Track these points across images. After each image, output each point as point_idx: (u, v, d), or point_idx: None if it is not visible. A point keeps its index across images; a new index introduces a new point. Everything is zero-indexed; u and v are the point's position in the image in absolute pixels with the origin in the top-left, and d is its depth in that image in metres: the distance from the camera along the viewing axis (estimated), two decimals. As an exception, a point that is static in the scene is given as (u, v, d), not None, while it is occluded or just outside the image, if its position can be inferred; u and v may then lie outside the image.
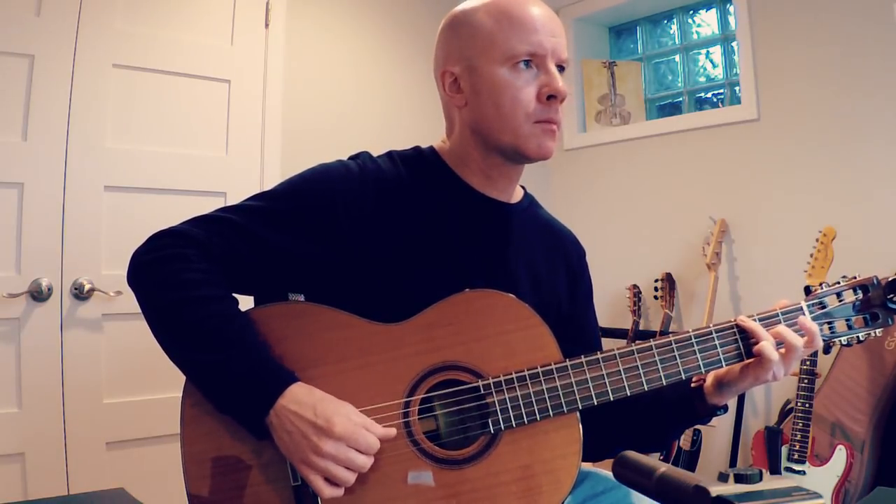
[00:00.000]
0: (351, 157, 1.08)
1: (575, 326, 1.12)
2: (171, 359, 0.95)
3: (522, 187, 1.18)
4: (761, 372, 0.96)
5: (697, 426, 2.44)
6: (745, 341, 0.99)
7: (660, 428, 1.08)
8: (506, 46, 0.99)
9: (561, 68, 1.02)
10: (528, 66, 0.99)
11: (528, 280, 1.09)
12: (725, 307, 2.56)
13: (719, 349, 0.98)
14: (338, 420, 0.88)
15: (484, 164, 1.06)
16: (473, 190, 1.08)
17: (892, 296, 1.01)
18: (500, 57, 0.99)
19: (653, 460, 0.61)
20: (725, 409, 1.04)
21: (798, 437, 2.01)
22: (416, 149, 1.12)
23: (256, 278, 1.02)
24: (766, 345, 0.96)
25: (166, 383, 2.05)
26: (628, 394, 0.97)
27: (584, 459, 1.09)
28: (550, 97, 0.99)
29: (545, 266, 1.12)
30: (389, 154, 1.10)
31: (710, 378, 1.03)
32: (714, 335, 0.99)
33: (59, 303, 1.99)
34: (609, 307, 2.93)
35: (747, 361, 0.99)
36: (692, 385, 1.04)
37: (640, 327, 2.74)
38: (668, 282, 2.69)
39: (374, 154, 1.10)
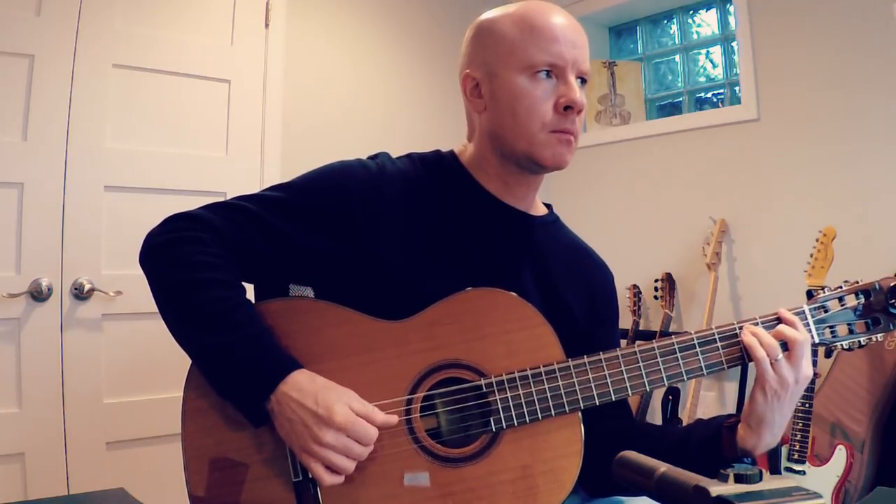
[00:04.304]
0: (370, 157, 1.09)
1: (594, 346, 1.05)
2: (176, 339, 0.95)
3: (549, 206, 1.18)
4: (763, 378, 0.93)
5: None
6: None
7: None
8: (525, 55, 0.99)
9: (583, 80, 1.02)
10: (548, 77, 0.99)
11: (536, 289, 1.07)
12: (725, 307, 2.56)
13: (721, 351, 0.97)
14: (338, 409, 0.88)
15: (501, 170, 1.06)
16: (491, 196, 1.08)
17: (893, 301, 1.01)
18: (520, 65, 0.99)
19: (653, 460, 0.61)
20: (754, 461, 0.95)
21: (798, 437, 2.01)
22: (437, 152, 1.13)
23: (266, 268, 1.02)
24: (751, 339, 0.94)
25: (166, 383, 2.05)
26: (630, 394, 0.97)
27: (599, 494, 1.08)
28: (567, 108, 0.99)
29: (562, 281, 1.10)
30: (409, 156, 1.11)
31: (742, 420, 0.98)
32: (716, 337, 0.98)
33: (59, 303, 1.99)
34: (609, 307, 2.92)
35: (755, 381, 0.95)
36: (726, 424, 1.00)
37: (640, 327, 2.74)
38: (668, 282, 2.69)
39: (394, 155, 1.11)
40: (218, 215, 0.99)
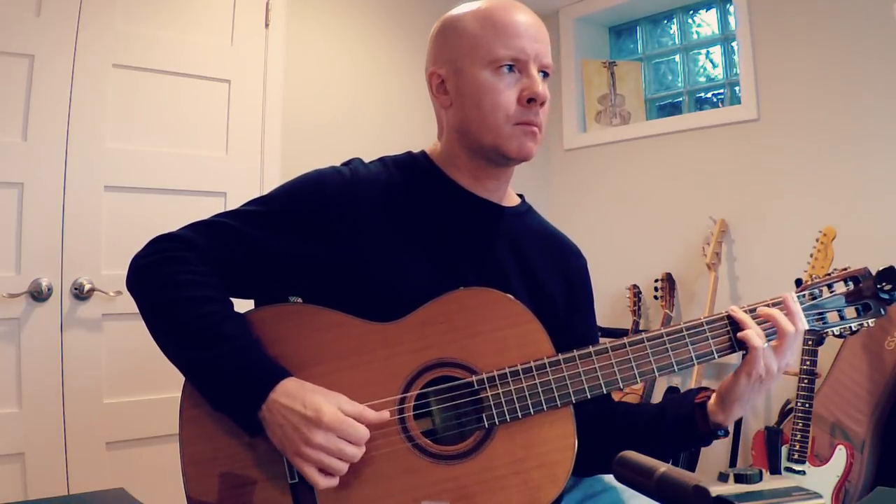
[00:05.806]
0: (343, 164, 1.11)
1: (573, 333, 1.11)
2: (169, 358, 0.97)
3: (521, 196, 1.19)
4: (751, 365, 0.95)
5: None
6: (736, 333, 0.99)
7: (659, 447, 1.05)
8: (488, 50, 1.01)
9: (545, 74, 1.04)
10: (511, 71, 1.02)
11: (519, 277, 1.09)
12: (725, 307, 2.54)
13: (711, 341, 0.99)
14: (326, 409, 0.89)
15: (471, 164, 1.08)
16: (464, 190, 1.09)
17: (882, 286, 1.01)
18: (484, 60, 1.02)
19: (653, 460, 0.61)
20: (726, 432, 1.01)
21: (798, 437, 2.01)
22: (409, 153, 1.15)
23: (254, 282, 1.03)
24: (750, 332, 0.96)
25: (166, 383, 2.04)
26: (621, 387, 0.98)
27: (579, 474, 1.09)
28: (531, 100, 1.01)
29: (541, 268, 1.12)
30: (382, 160, 1.13)
31: (713, 396, 1.02)
32: (705, 327, 0.99)
33: (59, 303, 1.99)
34: (609, 307, 2.93)
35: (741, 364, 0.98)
36: (696, 400, 1.03)
37: (640, 327, 2.74)
38: (668, 282, 2.69)
39: (367, 160, 1.13)
40: (200, 234, 1.01)
